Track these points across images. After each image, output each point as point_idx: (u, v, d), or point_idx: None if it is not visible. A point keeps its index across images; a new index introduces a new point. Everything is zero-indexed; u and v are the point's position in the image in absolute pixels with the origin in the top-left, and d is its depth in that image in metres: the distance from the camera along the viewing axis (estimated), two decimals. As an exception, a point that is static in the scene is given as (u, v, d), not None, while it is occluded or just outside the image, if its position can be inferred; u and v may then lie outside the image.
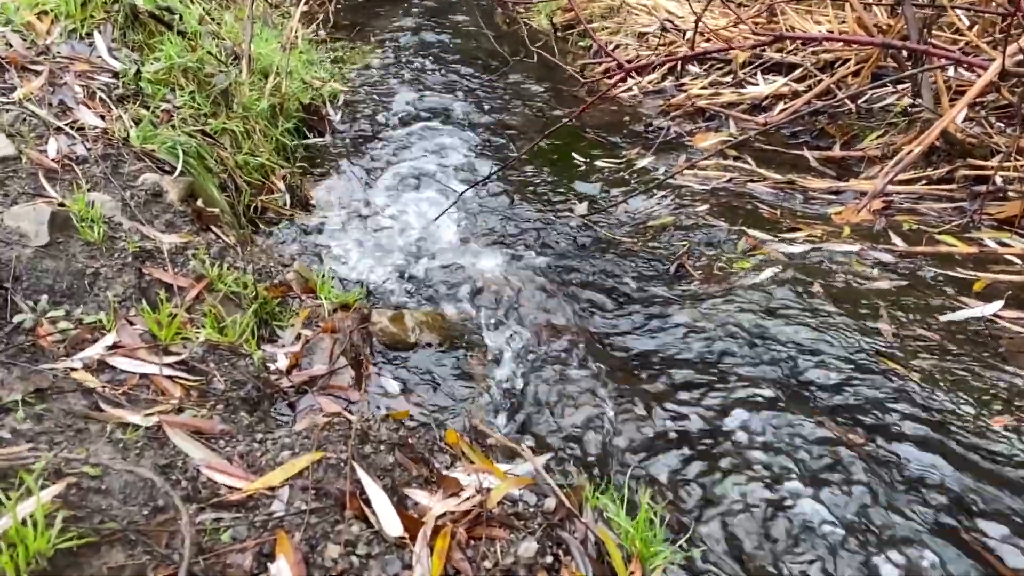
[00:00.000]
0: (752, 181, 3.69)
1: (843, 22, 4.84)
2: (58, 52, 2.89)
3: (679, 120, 4.70)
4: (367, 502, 1.42)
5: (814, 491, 1.79)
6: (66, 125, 2.48)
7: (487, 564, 1.37)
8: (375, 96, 5.00)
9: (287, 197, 3.44)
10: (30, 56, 2.77)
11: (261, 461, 1.50)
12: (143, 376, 1.67)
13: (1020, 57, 3.24)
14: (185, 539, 1.21)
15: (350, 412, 1.85)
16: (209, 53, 3.42)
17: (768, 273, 2.72)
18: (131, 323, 1.81)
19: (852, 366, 2.21)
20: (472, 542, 1.41)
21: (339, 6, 6.85)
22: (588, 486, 1.67)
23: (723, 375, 2.22)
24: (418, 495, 1.51)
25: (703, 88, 5.01)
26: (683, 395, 2.17)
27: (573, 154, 4.18)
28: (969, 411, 2.05)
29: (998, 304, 2.50)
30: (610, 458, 1.96)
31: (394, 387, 2.17)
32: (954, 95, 3.84)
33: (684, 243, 3.06)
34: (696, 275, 2.84)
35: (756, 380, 2.18)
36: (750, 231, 3.08)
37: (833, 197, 3.53)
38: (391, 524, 1.38)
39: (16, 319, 1.68)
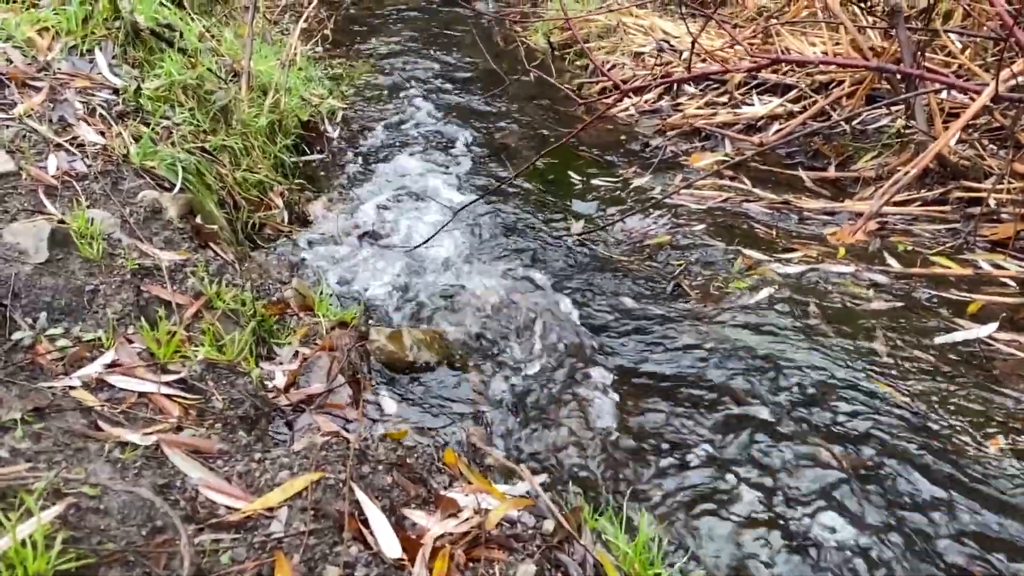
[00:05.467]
0: (748, 201, 3.71)
1: (837, 44, 4.90)
2: (59, 68, 2.90)
3: (675, 139, 4.73)
4: (365, 523, 1.42)
5: (811, 513, 1.79)
6: (66, 141, 2.49)
7: (486, 586, 1.37)
8: (373, 113, 5.02)
9: (285, 214, 3.45)
10: (31, 72, 2.79)
11: (260, 481, 1.49)
12: (141, 394, 1.67)
13: (1013, 82, 3.28)
14: (184, 560, 1.21)
15: (348, 431, 1.85)
16: (209, 70, 3.44)
17: (764, 293, 2.74)
18: (130, 341, 1.81)
19: (848, 387, 2.22)
20: (471, 564, 1.41)
21: (338, 24, 6.89)
22: (586, 507, 1.67)
23: (721, 395, 2.22)
24: (416, 516, 1.51)
25: (699, 108, 5.04)
26: (681, 415, 2.17)
27: (570, 172, 4.20)
28: (964, 433, 2.06)
29: (992, 326, 2.51)
30: (609, 479, 1.96)
31: (392, 406, 2.17)
32: (947, 117, 3.89)
33: (681, 262, 3.08)
34: (693, 294, 2.86)
35: (754, 401, 2.19)
36: (746, 251, 3.09)
37: (828, 217, 3.56)
38: (390, 545, 1.38)
39: (15, 337, 1.68)
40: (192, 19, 3.96)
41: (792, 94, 4.78)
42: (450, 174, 4.12)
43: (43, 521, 1.17)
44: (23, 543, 1.11)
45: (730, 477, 1.91)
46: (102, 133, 2.64)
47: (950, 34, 4.35)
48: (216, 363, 1.86)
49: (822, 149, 4.32)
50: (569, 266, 3.16)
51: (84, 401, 1.57)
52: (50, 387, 1.58)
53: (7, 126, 2.45)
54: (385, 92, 5.51)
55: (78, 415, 1.53)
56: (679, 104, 5.21)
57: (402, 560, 1.36)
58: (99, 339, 1.77)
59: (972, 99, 3.47)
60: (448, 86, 5.77)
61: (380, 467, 1.59)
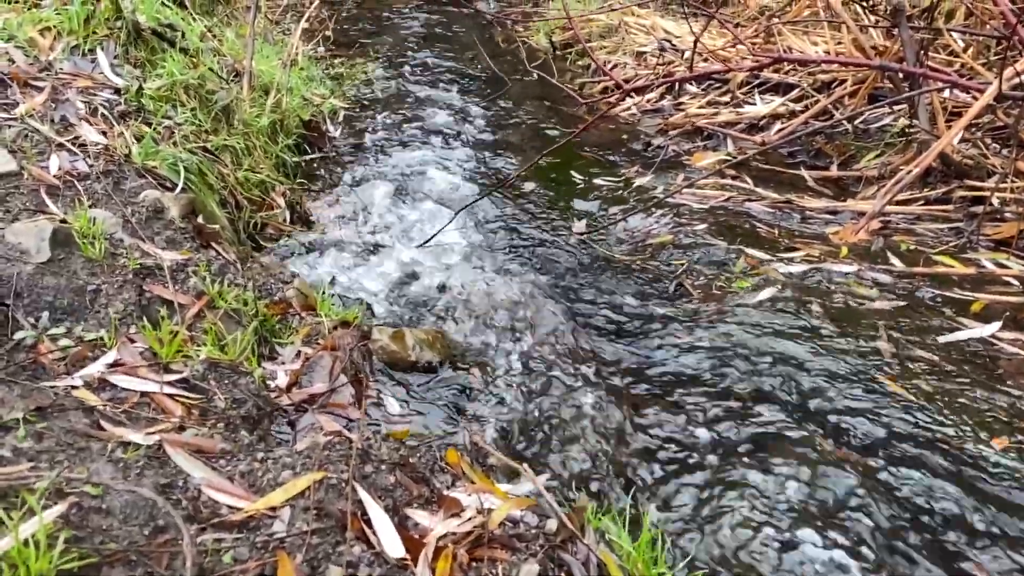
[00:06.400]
0: (750, 200, 3.71)
1: (839, 43, 4.89)
2: (61, 68, 2.90)
3: (677, 139, 4.73)
4: (368, 523, 1.42)
5: (815, 513, 1.79)
6: (68, 141, 2.49)
7: (489, 586, 1.36)
8: (374, 113, 5.02)
9: (287, 213, 3.44)
10: (33, 72, 2.78)
11: (262, 481, 1.49)
12: (144, 394, 1.66)
13: (1016, 80, 3.27)
14: (187, 560, 1.20)
15: (350, 431, 1.84)
16: (211, 70, 3.44)
17: (767, 292, 2.73)
18: (132, 340, 1.81)
19: (852, 386, 2.22)
20: (474, 564, 1.40)
21: (339, 24, 6.89)
22: (590, 507, 1.67)
23: (724, 395, 2.22)
24: (419, 515, 1.51)
25: (701, 107, 5.04)
26: (684, 415, 2.17)
27: (572, 172, 4.20)
28: (968, 432, 2.05)
29: (996, 325, 2.51)
30: (612, 478, 1.96)
31: (394, 405, 2.17)
32: (950, 116, 3.88)
33: (683, 262, 3.07)
34: (695, 294, 2.85)
35: (757, 400, 2.19)
36: (748, 250, 3.09)
37: (831, 217, 3.55)
38: (392, 545, 1.38)
39: (17, 336, 1.68)
40: (194, 19, 3.96)
41: (794, 93, 4.78)
42: (452, 173, 4.12)
43: (45, 521, 1.16)
44: (25, 543, 1.10)
45: (733, 477, 1.91)
46: (104, 133, 2.64)
47: (953, 33, 4.35)
48: (218, 363, 1.85)
49: (824, 148, 4.31)
50: (571, 265, 3.15)
51: (86, 401, 1.57)
52: (52, 387, 1.58)
53: (9, 126, 2.44)
54: (387, 92, 5.51)
55: (80, 415, 1.53)
56: (681, 103, 5.20)
57: (405, 560, 1.35)
58: (101, 339, 1.77)
59: (975, 98, 3.46)
60: (450, 85, 5.76)
61: (383, 467, 1.59)
